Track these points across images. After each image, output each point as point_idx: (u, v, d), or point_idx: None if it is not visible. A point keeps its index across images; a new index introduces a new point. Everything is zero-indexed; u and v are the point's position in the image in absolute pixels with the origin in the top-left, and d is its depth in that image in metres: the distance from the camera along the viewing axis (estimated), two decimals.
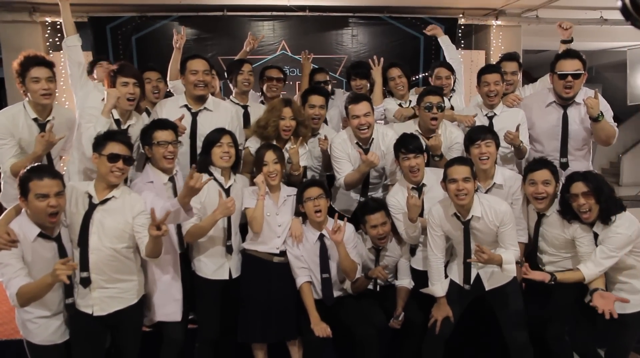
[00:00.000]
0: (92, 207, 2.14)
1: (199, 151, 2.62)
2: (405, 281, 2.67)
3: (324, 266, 2.51)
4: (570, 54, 2.75)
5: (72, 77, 2.66)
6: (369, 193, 2.87)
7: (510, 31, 5.86)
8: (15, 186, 2.03)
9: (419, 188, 2.58)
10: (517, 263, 2.34)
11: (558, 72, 2.71)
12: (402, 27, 5.59)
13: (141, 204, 2.20)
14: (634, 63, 7.60)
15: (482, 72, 2.90)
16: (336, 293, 2.57)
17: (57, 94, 2.61)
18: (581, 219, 2.31)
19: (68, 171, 2.64)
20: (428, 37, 5.03)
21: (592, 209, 2.26)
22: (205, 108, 2.74)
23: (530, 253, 2.56)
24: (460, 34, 5.70)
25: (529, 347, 2.41)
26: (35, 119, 2.50)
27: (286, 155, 2.65)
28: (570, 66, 2.68)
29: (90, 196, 2.16)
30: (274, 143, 2.66)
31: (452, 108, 3.21)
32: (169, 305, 2.34)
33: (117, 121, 2.52)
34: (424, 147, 2.63)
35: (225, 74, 3.27)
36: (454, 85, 3.38)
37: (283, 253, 2.53)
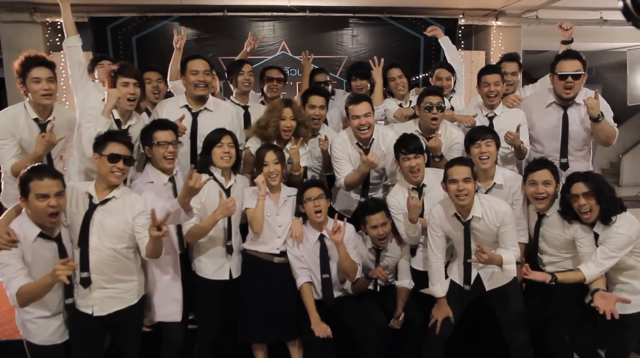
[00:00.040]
0: (92, 207, 2.14)
1: (199, 151, 2.62)
2: (405, 282, 2.67)
3: (324, 266, 2.51)
4: (570, 54, 2.75)
5: (73, 78, 2.66)
6: (369, 194, 2.87)
7: (510, 32, 5.86)
8: (16, 186, 2.03)
9: (419, 188, 2.58)
10: (517, 263, 2.34)
11: (558, 73, 2.72)
12: (402, 28, 5.60)
13: (141, 204, 2.20)
14: (634, 64, 7.60)
15: (482, 73, 2.90)
16: (336, 294, 2.57)
17: (57, 95, 2.61)
18: (582, 219, 2.31)
19: (68, 171, 2.64)
20: (428, 37, 5.03)
21: (593, 210, 2.26)
22: (205, 108, 2.74)
23: (531, 254, 2.56)
24: (460, 35, 5.71)
25: (529, 347, 2.40)
26: (35, 120, 2.50)
27: (287, 155, 2.65)
28: (570, 66, 2.69)
29: (90, 196, 2.16)
30: (275, 143, 2.66)
31: (452, 109, 3.21)
32: (168, 306, 2.34)
33: (117, 121, 2.52)
34: (424, 147, 2.63)
35: (226, 74, 3.27)
36: (454, 86, 3.39)
37: (283, 254, 2.53)
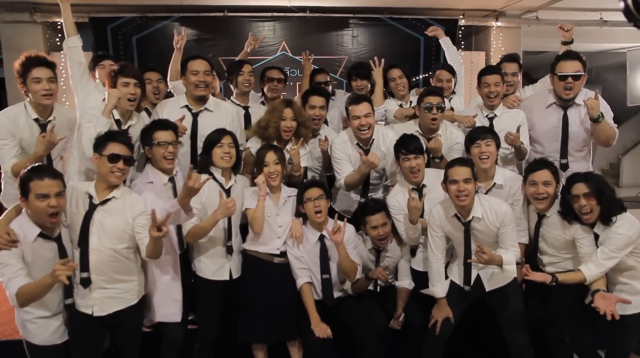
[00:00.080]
0: (92, 207, 2.14)
1: (199, 151, 2.62)
2: (405, 282, 2.67)
3: (324, 267, 2.51)
4: (570, 55, 2.76)
5: (73, 78, 2.66)
6: (369, 194, 2.87)
7: (510, 32, 5.87)
8: (16, 186, 2.03)
9: (419, 188, 2.58)
10: (517, 264, 2.34)
11: (558, 74, 2.72)
12: (402, 28, 5.60)
13: (141, 204, 2.19)
14: (634, 64, 7.60)
15: (482, 74, 2.91)
16: (336, 294, 2.57)
17: (57, 95, 2.60)
18: (582, 220, 2.31)
19: (68, 171, 2.64)
20: (428, 38, 5.05)
21: (594, 211, 2.27)
22: (206, 109, 2.74)
23: (531, 254, 2.56)
24: (460, 35, 5.71)
25: (529, 347, 2.40)
26: (36, 120, 2.50)
27: (287, 156, 2.65)
28: (570, 67, 2.69)
29: (90, 197, 2.16)
30: (275, 143, 2.66)
31: (452, 110, 3.22)
32: (168, 306, 2.34)
33: (117, 122, 2.52)
34: (425, 148, 2.63)
35: (226, 75, 3.28)
36: (454, 87, 3.39)
37: (283, 254, 2.53)
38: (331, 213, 2.65)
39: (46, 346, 2.11)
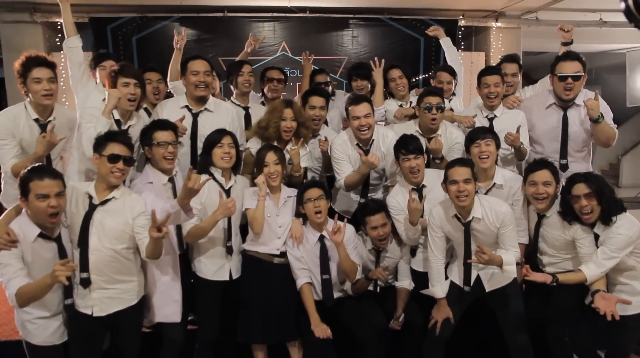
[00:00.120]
0: (92, 208, 2.14)
1: (199, 151, 2.62)
2: (405, 283, 2.67)
3: (324, 267, 2.51)
4: (570, 56, 2.76)
5: (73, 78, 2.66)
6: (369, 194, 2.87)
7: (510, 33, 5.87)
8: (16, 186, 2.03)
9: (419, 188, 2.58)
10: (517, 264, 2.34)
11: (558, 74, 2.72)
12: (402, 29, 5.60)
13: (141, 205, 2.19)
14: (633, 65, 7.61)
15: (482, 74, 2.91)
16: (336, 294, 2.57)
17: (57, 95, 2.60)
18: (582, 220, 2.31)
19: (68, 171, 2.63)
20: (428, 38, 5.06)
21: (594, 211, 2.27)
22: (206, 109, 2.74)
23: (531, 254, 2.56)
24: (460, 36, 5.71)
25: (529, 348, 2.40)
26: (36, 120, 2.50)
27: (287, 156, 2.65)
28: (570, 67, 2.69)
29: (90, 197, 2.15)
30: (275, 143, 2.66)
31: (451, 110, 3.22)
32: (168, 306, 2.33)
33: (117, 122, 2.51)
34: (424, 148, 2.63)
35: (226, 75, 3.27)
36: (454, 89, 3.39)
37: (283, 254, 2.53)
38: (331, 213, 2.65)
39: (46, 346, 2.11)
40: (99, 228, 2.12)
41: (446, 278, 2.51)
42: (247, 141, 2.81)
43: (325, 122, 3.11)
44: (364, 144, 2.76)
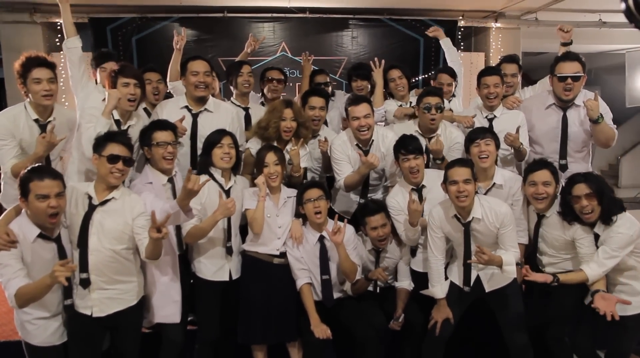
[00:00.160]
0: (91, 208, 2.14)
1: (199, 152, 2.62)
2: (405, 283, 2.67)
3: (324, 267, 2.51)
4: (570, 56, 2.76)
5: (73, 79, 2.66)
6: (369, 195, 2.87)
7: (510, 33, 5.88)
8: (16, 186, 2.02)
9: (418, 189, 2.59)
10: (517, 264, 2.34)
11: (558, 75, 2.72)
12: (402, 29, 5.60)
13: (141, 205, 2.19)
14: (633, 66, 7.60)
15: (481, 75, 2.91)
16: (336, 295, 2.57)
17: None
18: (582, 220, 2.31)
19: (68, 171, 2.63)
20: (428, 39, 5.07)
21: (595, 211, 2.27)
22: (205, 109, 2.74)
23: (530, 255, 2.56)
24: (459, 36, 5.72)
25: (529, 348, 2.41)
26: (36, 120, 2.50)
27: (287, 156, 2.65)
28: (569, 68, 2.69)
29: (90, 197, 2.15)
30: (275, 144, 2.66)
31: (450, 111, 3.22)
32: (168, 307, 2.33)
33: (117, 122, 2.51)
34: (424, 148, 2.63)
35: (226, 75, 3.27)
36: (454, 90, 3.39)
37: (283, 255, 2.53)
38: (331, 213, 2.65)
39: (45, 347, 2.11)
40: (98, 228, 2.12)
41: (446, 278, 2.51)
42: (246, 141, 2.81)
43: (325, 123, 3.11)
44: (364, 145, 2.76)
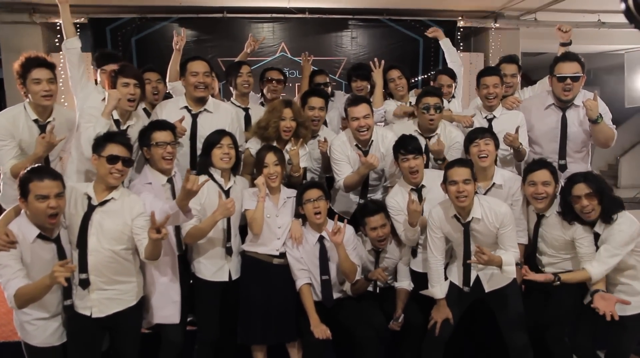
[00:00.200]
0: (91, 208, 2.14)
1: (199, 152, 2.62)
2: (404, 283, 2.67)
3: (324, 268, 2.51)
4: (569, 56, 2.76)
5: (73, 79, 2.66)
6: (369, 195, 2.87)
7: (509, 34, 5.89)
8: (15, 187, 2.02)
9: (418, 189, 2.59)
10: (516, 264, 2.34)
11: (557, 75, 2.73)
12: (401, 30, 5.61)
13: (140, 206, 2.19)
14: (632, 66, 7.61)
15: (481, 75, 2.91)
16: (336, 295, 2.57)
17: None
18: (582, 220, 2.32)
19: (67, 171, 2.62)
20: (427, 39, 5.06)
21: (595, 210, 2.28)
22: (205, 110, 2.74)
23: (530, 255, 2.56)
24: (459, 37, 5.72)
25: (529, 348, 2.41)
26: (35, 121, 2.49)
27: (286, 156, 2.65)
28: (569, 68, 2.70)
29: (89, 198, 2.15)
30: (274, 143, 2.66)
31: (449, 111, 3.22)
32: (167, 308, 2.33)
33: (116, 122, 2.51)
34: (424, 148, 2.63)
35: (225, 76, 3.27)
36: (454, 91, 3.39)
37: (283, 255, 2.52)
38: (330, 214, 2.65)
39: (45, 347, 2.10)
40: (97, 228, 2.12)
41: (445, 278, 2.51)
42: (246, 141, 2.81)
43: (325, 123, 3.10)
44: (363, 145, 2.76)
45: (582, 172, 2.41)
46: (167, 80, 3.05)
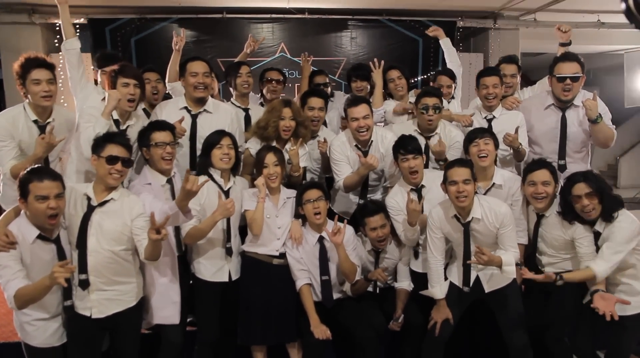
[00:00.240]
0: (90, 209, 2.14)
1: (198, 153, 2.62)
2: (404, 284, 2.67)
3: (324, 268, 2.51)
4: (569, 57, 2.77)
5: (72, 80, 2.66)
6: (368, 195, 2.87)
7: (509, 34, 5.90)
8: (15, 187, 2.02)
9: (418, 189, 2.59)
10: (516, 264, 2.34)
11: (557, 75, 2.73)
12: (400, 30, 5.62)
13: (140, 206, 2.19)
14: (631, 66, 7.62)
15: (481, 75, 2.92)
16: (336, 295, 2.57)
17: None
18: (582, 219, 2.32)
19: (67, 171, 2.62)
20: (427, 39, 5.08)
21: (596, 209, 2.28)
22: (205, 110, 2.74)
23: (530, 255, 2.56)
24: (458, 37, 5.73)
25: (529, 349, 2.41)
26: (35, 121, 2.49)
27: (286, 156, 2.65)
28: (568, 68, 2.70)
29: (89, 198, 2.15)
30: (274, 143, 2.66)
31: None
32: (167, 308, 2.33)
33: (116, 122, 2.51)
34: (423, 148, 2.63)
35: (224, 76, 3.27)
36: (453, 92, 3.39)
37: (283, 255, 2.52)
38: (330, 214, 2.65)
39: (45, 348, 2.10)
40: (97, 229, 2.12)
41: (445, 278, 2.51)
42: (246, 141, 2.81)
43: (324, 124, 3.10)
44: (363, 146, 2.76)
45: (581, 171, 2.41)
46: (166, 80, 3.05)
